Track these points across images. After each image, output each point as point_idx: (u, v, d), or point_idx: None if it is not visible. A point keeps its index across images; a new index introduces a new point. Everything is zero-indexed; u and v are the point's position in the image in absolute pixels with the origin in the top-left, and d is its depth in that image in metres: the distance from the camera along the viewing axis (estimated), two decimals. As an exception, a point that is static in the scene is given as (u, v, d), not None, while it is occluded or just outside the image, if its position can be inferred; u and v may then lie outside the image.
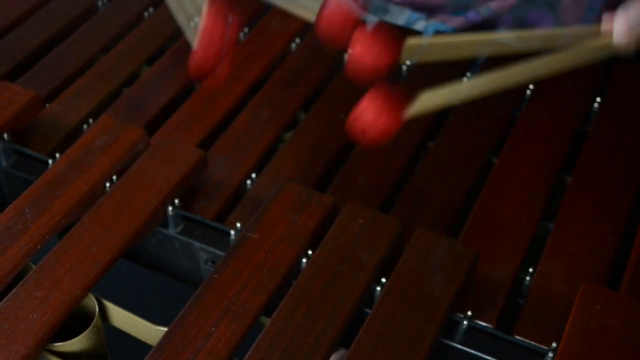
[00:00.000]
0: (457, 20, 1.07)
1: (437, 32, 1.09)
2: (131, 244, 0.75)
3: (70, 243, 0.73)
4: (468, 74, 1.02)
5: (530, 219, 0.81)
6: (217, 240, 0.79)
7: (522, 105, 0.95)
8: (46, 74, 0.96)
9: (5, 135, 0.84)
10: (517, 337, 0.71)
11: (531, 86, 0.96)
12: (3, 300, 0.68)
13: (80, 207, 0.77)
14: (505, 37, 0.81)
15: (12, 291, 0.69)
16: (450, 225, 0.82)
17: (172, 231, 0.79)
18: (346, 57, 1.03)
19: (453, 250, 0.73)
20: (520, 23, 1.05)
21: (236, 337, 0.67)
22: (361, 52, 0.75)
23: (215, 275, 0.71)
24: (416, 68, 1.00)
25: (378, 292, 0.72)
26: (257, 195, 0.83)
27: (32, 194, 0.77)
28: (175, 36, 1.03)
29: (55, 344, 0.69)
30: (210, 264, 0.79)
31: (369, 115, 0.72)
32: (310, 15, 0.88)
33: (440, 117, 0.91)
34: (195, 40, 0.82)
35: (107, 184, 0.80)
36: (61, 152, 0.83)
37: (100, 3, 1.08)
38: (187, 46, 1.00)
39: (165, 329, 0.68)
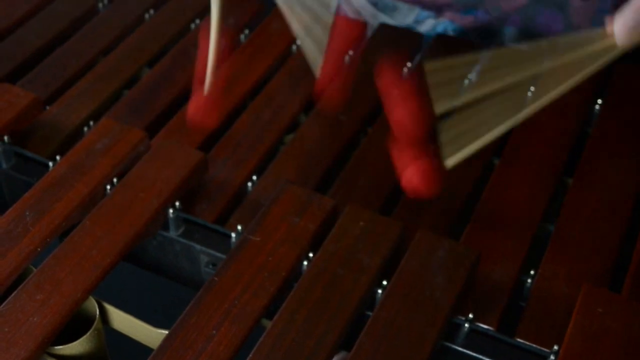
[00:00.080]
0: (467, 19, 1.07)
1: (446, 31, 1.10)
2: (132, 246, 0.75)
3: (70, 246, 0.73)
4: (469, 76, 1.02)
5: (531, 221, 0.81)
6: (218, 243, 0.79)
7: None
8: (46, 76, 0.96)
9: (5, 138, 0.84)
10: (519, 339, 0.71)
11: (532, 88, 0.95)
12: (3, 304, 0.68)
13: (80, 209, 0.77)
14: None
15: (13, 294, 0.69)
16: (452, 228, 0.82)
17: (172, 234, 0.79)
18: (347, 58, 1.03)
19: (454, 252, 0.73)
20: (530, 23, 1.05)
21: (237, 340, 0.67)
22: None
23: (216, 278, 0.71)
24: (416, 70, 1.00)
25: (379, 295, 0.72)
26: (258, 197, 0.83)
27: (33, 196, 0.77)
28: (176, 38, 1.04)
29: (56, 347, 0.69)
30: (211, 266, 0.78)
31: (417, 181, 0.76)
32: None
33: (440, 119, 0.91)
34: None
35: (108, 187, 0.79)
36: (62, 155, 0.83)
37: (100, 5, 1.08)
38: (187, 48, 1.01)
39: (166, 332, 0.68)
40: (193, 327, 0.67)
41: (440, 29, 1.10)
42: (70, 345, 0.70)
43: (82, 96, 0.93)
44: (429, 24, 1.11)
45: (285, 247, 0.73)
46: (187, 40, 1.03)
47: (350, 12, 1.18)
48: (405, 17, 1.12)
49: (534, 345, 0.70)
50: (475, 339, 0.71)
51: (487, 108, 0.81)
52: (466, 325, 0.71)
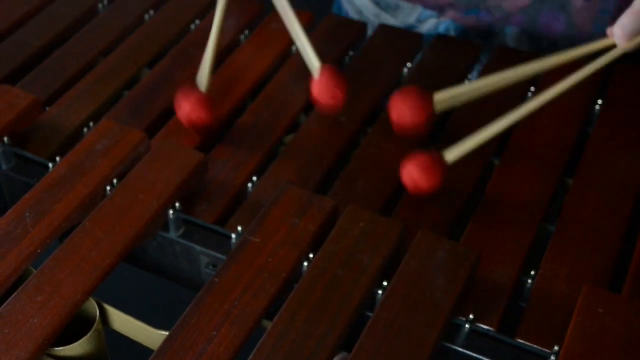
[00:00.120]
0: (469, 19, 1.07)
1: (448, 31, 1.10)
2: (132, 247, 0.75)
3: (70, 247, 0.73)
4: (469, 76, 1.02)
5: (531, 221, 0.81)
6: (218, 244, 0.78)
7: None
8: (46, 77, 0.96)
9: (5, 139, 0.84)
10: (519, 340, 0.71)
11: (532, 88, 0.96)
12: (3, 305, 0.68)
13: (80, 211, 0.77)
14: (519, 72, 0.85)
15: (13, 296, 0.69)
16: (452, 228, 0.82)
17: (173, 235, 0.79)
18: (347, 60, 1.03)
19: (455, 252, 0.73)
20: (533, 24, 1.05)
21: (237, 341, 0.67)
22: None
23: (216, 279, 0.71)
24: (417, 70, 1.00)
25: (380, 296, 0.72)
26: (258, 198, 0.83)
27: (33, 198, 0.77)
28: (176, 39, 1.03)
29: (56, 349, 0.69)
30: (211, 267, 0.78)
31: (418, 176, 0.81)
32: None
33: (440, 120, 0.91)
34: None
35: (108, 188, 0.79)
36: (62, 156, 0.83)
37: (100, 6, 1.08)
38: (187, 49, 1.01)
39: (167, 333, 0.68)
40: (193, 328, 0.67)
41: (442, 28, 1.10)
42: (70, 346, 0.70)
43: (82, 97, 0.93)
44: (431, 24, 1.11)
45: (286, 248, 0.73)
46: (187, 41, 1.03)
47: (352, 11, 1.18)
48: (408, 16, 1.12)
49: (535, 346, 0.70)
50: (476, 340, 0.71)
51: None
52: (467, 326, 0.71)
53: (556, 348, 0.69)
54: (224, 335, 0.67)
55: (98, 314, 0.72)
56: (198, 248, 0.78)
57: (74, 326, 0.70)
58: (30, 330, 0.66)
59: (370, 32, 1.08)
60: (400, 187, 0.85)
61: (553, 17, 1.03)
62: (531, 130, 0.91)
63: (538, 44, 1.07)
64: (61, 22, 1.04)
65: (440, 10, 1.08)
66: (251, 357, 0.65)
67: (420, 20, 1.11)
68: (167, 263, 0.82)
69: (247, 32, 1.05)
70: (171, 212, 0.78)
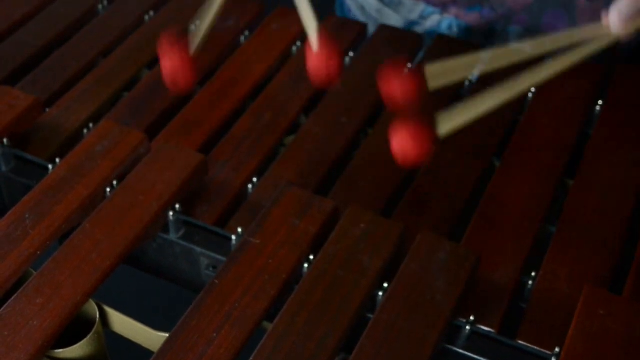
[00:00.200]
0: (472, 16, 1.07)
1: (451, 27, 1.09)
2: (132, 249, 0.75)
3: (70, 249, 0.73)
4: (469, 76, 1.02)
5: (532, 223, 0.81)
6: (218, 246, 0.78)
7: (523, 109, 0.94)
8: (46, 78, 0.96)
9: (5, 140, 0.84)
10: (520, 341, 0.71)
11: (533, 89, 0.95)
12: (3, 307, 0.68)
13: (80, 212, 0.77)
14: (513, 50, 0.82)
15: (12, 298, 0.69)
16: (452, 229, 0.82)
17: (173, 236, 0.79)
18: (347, 60, 1.03)
19: (455, 254, 0.73)
20: (535, 22, 1.04)
21: (238, 343, 0.67)
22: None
23: (216, 281, 0.71)
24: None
25: (380, 297, 0.72)
26: (259, 199, 0.83)
27: (32, 199, 0.77)
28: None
29: (56, 351, 0.69)
30: (211, 269, 0.78)
31: (408, 145, 0.73)
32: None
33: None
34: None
35: (108, 189, 0.79)
36: (61, 157, 0.82)
37: (100, 6, 1.08)
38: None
39: (167, 335, 0.68)
40: (194, 330, 0.67)
41: (445, 25, 1.10)
42: (70, 348, 0.69)
43: (81, 98, 0.93)
44: (434, 20, 1.10)
45: (286, 249, 0.73)
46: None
47: (354, 7, 1.18)
48: (410, 12, 1.12)
49: (536, 347, 0.70)
50: (477, 341, 0.71)
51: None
52: (467, 327, 0.71)
53: (557, 349, 0.69)
54: (224, 337, 0.67)
55: (98, 315, 0.72)
56: (198, 249, 0.78)
57: (74, 328, 0.70)
58: (30, 332, 0.66)
59: (371, 29, 1.08)
60: (400, 187, 0.85)
61: (556, 16, 1.03)
62: (531, 131, 0.91)
63: None
64: (61, 22, 1.04)
65: (443, 6, 1.08)
66: (251, 358, 0.65)
67: (422, 17, 1.11)
68: (167, 264, 0.82)
69: (247, 32, 1.05)
70: (171, 213, 0.78)
